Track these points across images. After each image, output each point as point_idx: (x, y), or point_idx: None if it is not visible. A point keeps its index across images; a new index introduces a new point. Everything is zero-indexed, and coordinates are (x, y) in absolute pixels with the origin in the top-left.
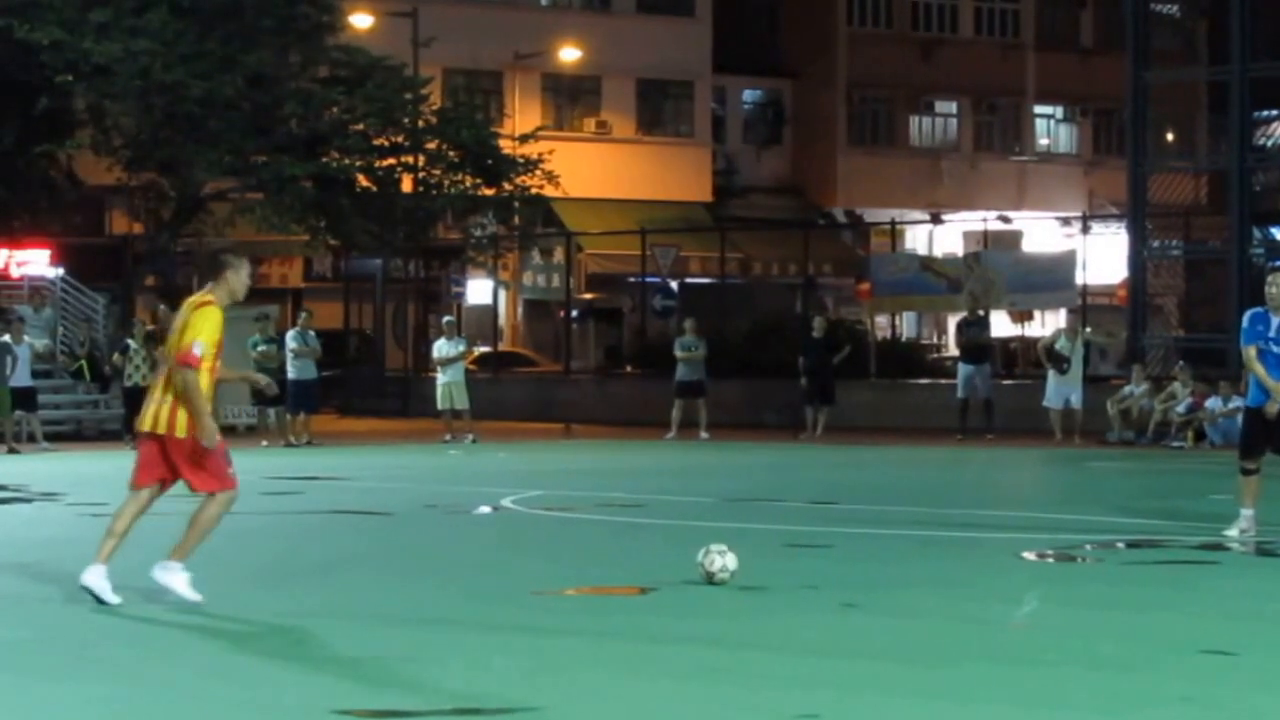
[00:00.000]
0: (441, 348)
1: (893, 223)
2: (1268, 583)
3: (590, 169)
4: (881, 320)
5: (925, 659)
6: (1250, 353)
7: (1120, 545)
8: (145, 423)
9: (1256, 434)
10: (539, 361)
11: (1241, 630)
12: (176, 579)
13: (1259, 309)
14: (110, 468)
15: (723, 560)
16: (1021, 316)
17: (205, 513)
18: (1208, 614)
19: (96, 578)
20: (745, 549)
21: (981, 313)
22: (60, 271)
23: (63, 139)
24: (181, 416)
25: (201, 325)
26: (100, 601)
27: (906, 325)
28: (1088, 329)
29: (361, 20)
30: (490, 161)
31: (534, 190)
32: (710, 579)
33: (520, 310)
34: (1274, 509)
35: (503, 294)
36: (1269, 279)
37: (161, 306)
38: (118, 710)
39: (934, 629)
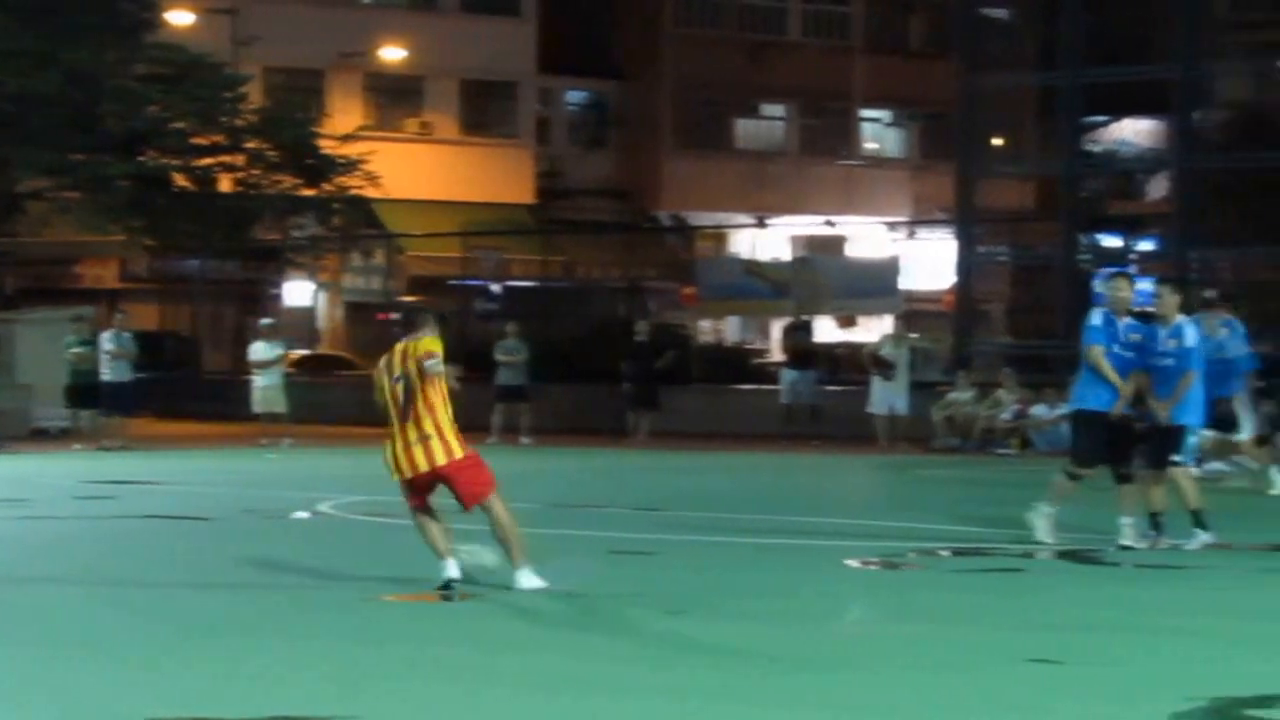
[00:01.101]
0: (259, 350)
1: (718, 226)
2: (1092, 591)
3: (413, 170)
4: (706, 325)
5: (750, 666)
6: (1098, 350)
7: (945, 553)
8: (419, 465)
9: (1096, 439)
10: (360, 364)
11: (1067, 639)
12: (531, 578)
13: (1107, 311)
14: None
15: (477, 559)
16: (847, 322)
17: (500, 520)
18: (1034, 623)
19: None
20: (569, 555)
21: (807, 318)
22: None
23: None
24: (441, 447)
25: (434, 345)
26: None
27: (731, 330)
28: (913, 334)
29: (181, 17)
30: (311, 161)
31: (355, 191)
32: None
33: (341, 312)
34: (1098, 515)
35: (323, 296)
36: (1113, 283)
37: None
38: None
39: (759, 636)
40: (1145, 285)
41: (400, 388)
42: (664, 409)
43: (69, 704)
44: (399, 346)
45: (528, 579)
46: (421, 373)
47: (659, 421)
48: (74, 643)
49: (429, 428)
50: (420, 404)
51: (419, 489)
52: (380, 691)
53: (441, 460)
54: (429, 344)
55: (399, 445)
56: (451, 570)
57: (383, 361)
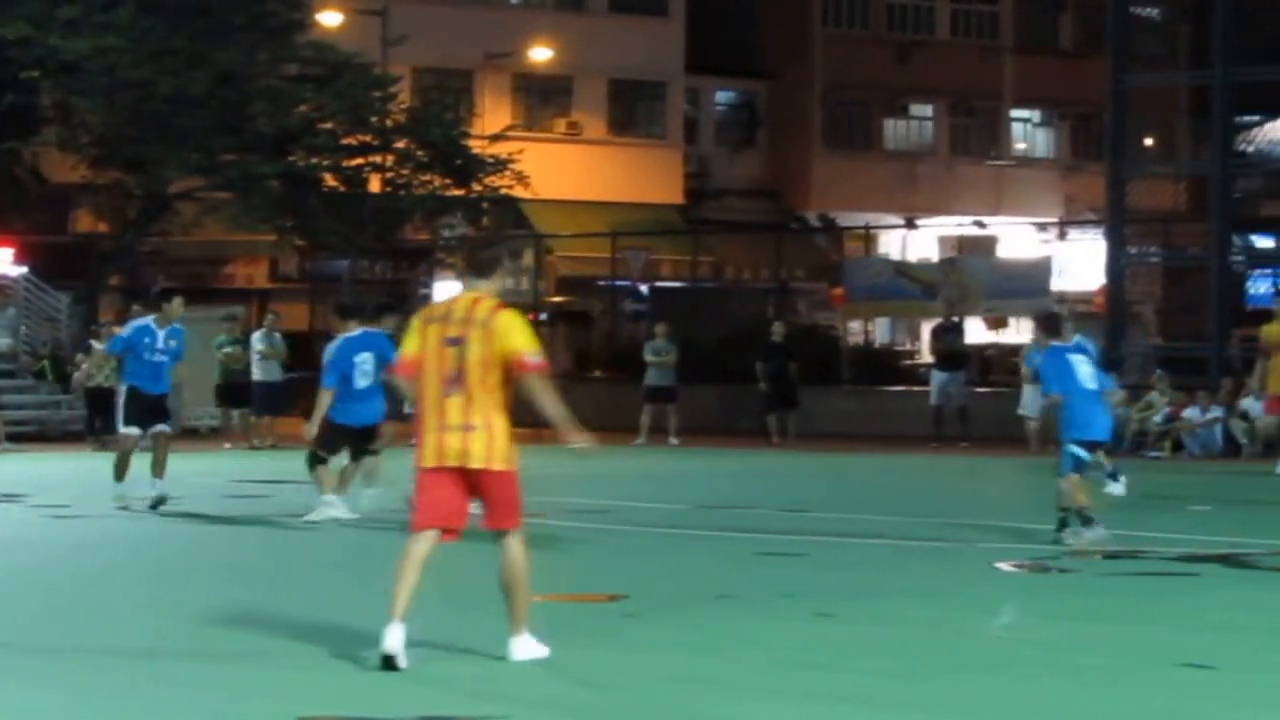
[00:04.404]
0: None
1: (866, 227)
2: (1243, 594)
3: (561, 170)
4: (855, 326)
5: (898, 670)
6: None
7: (1097, 556)
8: (449, 456)
9: None
10: None
11: (1219, 643)
12: (529, 646)
13: None
14: (73, 469)
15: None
16: (996, 323)
17: (517, 563)
18: (1186, 626)
19: (395, 641)
20: (718, 556)
21: (956, 319)
22: (24, 270)
23: (28, 136)
24: (483, 447)
25: (525, 331)
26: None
27: (880, 331)
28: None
29: (331, 18)
30: (460, 161)
31: (504, 191)
32: None
33: None
34: (1254, 521)
35: None
36: None
37: (135, 306)
38: (81, 715)
39: (911, 638)
40: None
41: (454, 354)
42: (811, 410)
43: (215, 702)
44: (465, 297)
45: (524, 647)
46: (500, 352)
47: (807, 423)
48: (224, 638)
49: (478, 417)
50: (477, 383)
51: (439, 498)
52: (527, 692)
53: (478, 461)
54: (517, 324)
55: (431, 425)
56: (392, 642)
57: (437, 310)
